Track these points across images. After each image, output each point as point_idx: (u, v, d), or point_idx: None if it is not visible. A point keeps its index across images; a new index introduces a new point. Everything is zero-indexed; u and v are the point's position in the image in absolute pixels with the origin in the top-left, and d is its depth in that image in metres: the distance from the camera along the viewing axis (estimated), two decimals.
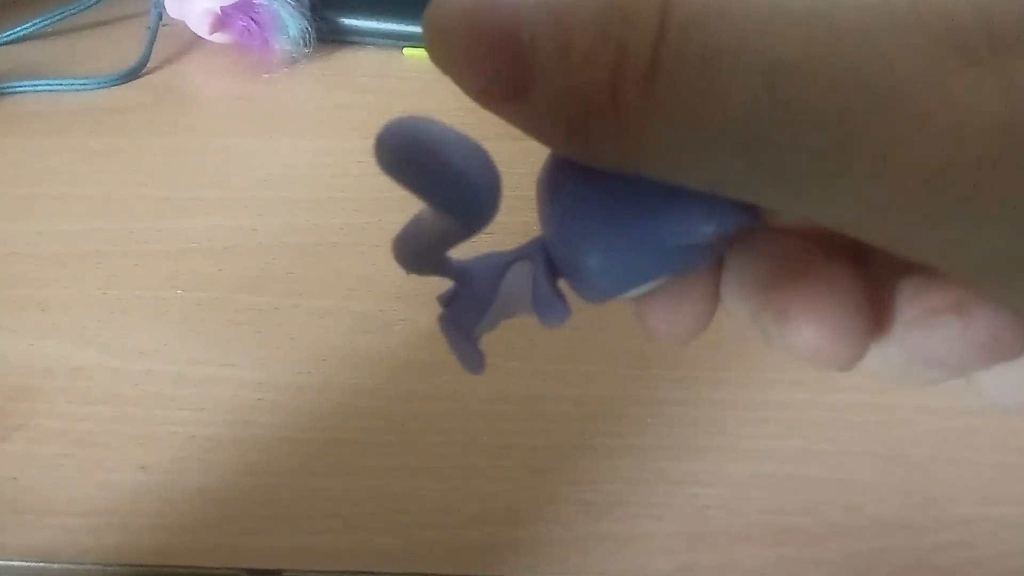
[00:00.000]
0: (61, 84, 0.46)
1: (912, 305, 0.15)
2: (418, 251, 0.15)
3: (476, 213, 0.13)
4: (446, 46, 0.12)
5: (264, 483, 0.27)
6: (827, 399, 0.30)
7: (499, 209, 0.13)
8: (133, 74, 0.48)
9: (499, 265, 0.16)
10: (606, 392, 0.30)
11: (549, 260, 0.15)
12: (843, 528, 0.26)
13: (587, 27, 0.11)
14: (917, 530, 0.26)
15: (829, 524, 0.26)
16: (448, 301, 0.16)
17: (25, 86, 0.46)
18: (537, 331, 0.32)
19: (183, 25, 0.49)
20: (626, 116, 0.11)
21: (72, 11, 0.51)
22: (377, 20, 0.51)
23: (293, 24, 0.48)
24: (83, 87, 0.46)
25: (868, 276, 0.15)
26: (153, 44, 0.49)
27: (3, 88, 0.46)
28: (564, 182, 0.14)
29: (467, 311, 0.16)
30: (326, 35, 0.50)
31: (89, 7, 0.52)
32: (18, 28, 0.50)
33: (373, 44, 0.51)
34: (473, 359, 0.17)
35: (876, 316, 0.15)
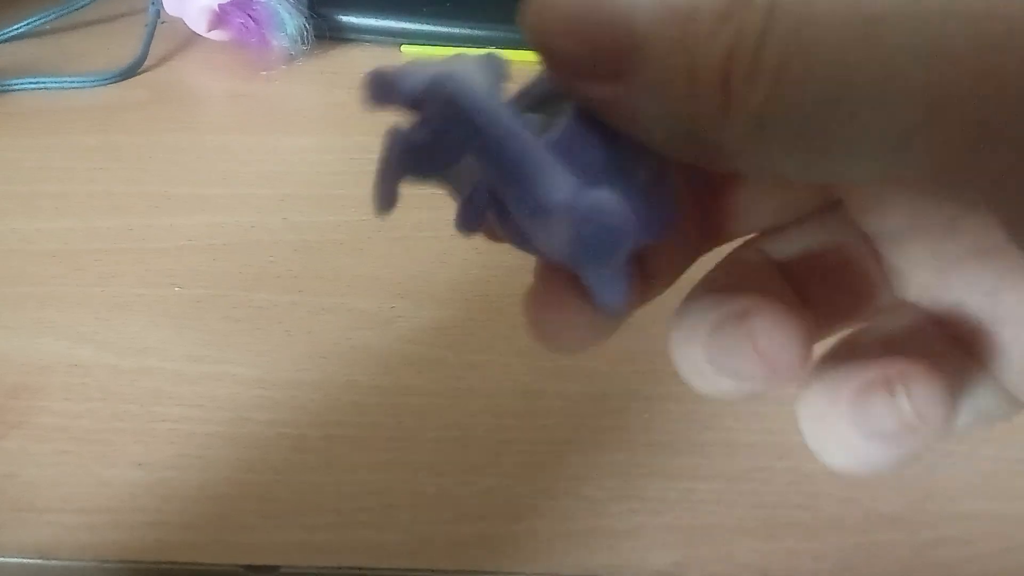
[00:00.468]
0: (59, 82, 0.46)
1: (707, 314, 0.15)
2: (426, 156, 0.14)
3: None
4: (550, 19, 0.12)
5: (262, 479, 0.27)
6: None
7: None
8: (131, 71, 0.48)
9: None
10: (603, 388, 0.30)
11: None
12: (840, 523, 0.26)
13: (709, 10, 0.11)
14: (914, 525, 0.26)
15: (826, 519, 0.26)
16: (414, 128, 0.14)
17: (23, 84, 0.46)
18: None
19: (181, 22, 0.49)
20: (735, 95, 0.11)
21: (70, 8, 0.51)
22: (375, 17, 0.51)
23: (291, 21, 0.48)
24: (81, 85, 0.46)
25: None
26: (151, 41, 0.49)
27: (1, 86, 0.46)
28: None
29: (406, 153, 0.14)
30: (324, 32, 0.50)
31: (87, 5, 0.52)
32: (16, 26, 0.50)
33: (371, 41, 0.51)
34: (382, 201, 0.15)
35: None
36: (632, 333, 0.31)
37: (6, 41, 0.50)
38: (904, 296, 0.17)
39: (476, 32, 0.50)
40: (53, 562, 0.25)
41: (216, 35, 0.49)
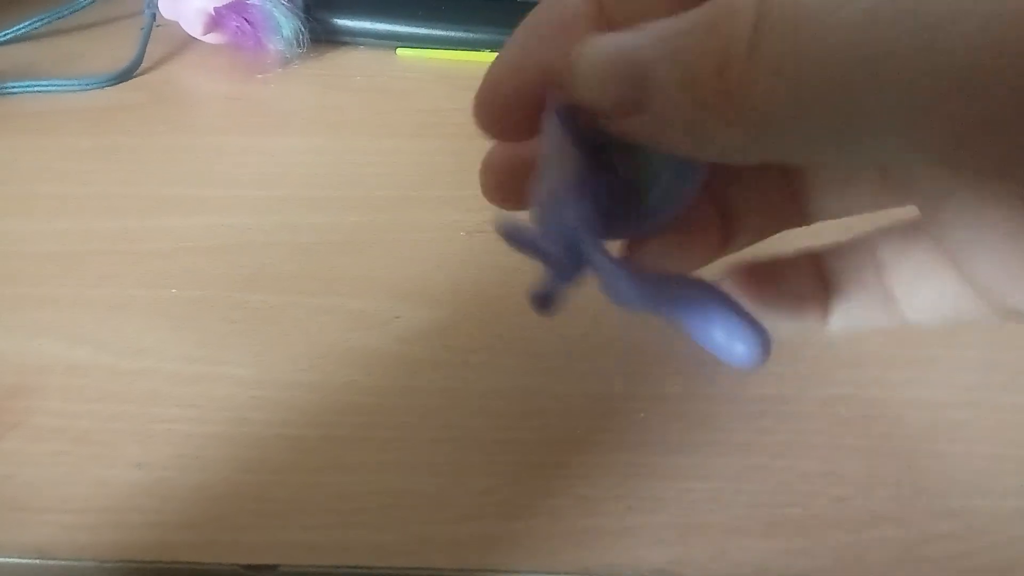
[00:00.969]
0: (55, 85, 0.46)
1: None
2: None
3: None
4: (587, 82, 0.16)
5: (260, 479, 0.27)
6: (817, 393, 0.30)
7: None
8: (127, 74, 0.48)
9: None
10: (599, 388, 0.30)
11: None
12: (833, 520, 0.26)
13: (690, 42, 0.14)
14: (907, 522, 0.27)
15: (819, 516, 0.27)
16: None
17: (19, 87, 0.46)
18: (532, 328, 0.32)
19: (177, 26, 0.50)
20: (736, 94, 0.13)
21: (66, 12, 0.51)
22: (370, 20, 0.51)
23: (287, 24, 0.48)
24: (77, 87, 0.47)
25: None
26: (147, 45, 0.49)
27: None
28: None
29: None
30: (320, 35, 0.50)
31: (83, 8, 0.52)
32: (12, 29, 0.50)
33: (366, 44, 0.51)
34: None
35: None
36: (628, 332, 0.32)
37: (2, 44, 0.50)
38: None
39: (471, 35, 0.50)
40: (52, 562, 0.25)
41: (212, 38, 0.49)
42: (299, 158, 0.42)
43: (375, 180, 0.40)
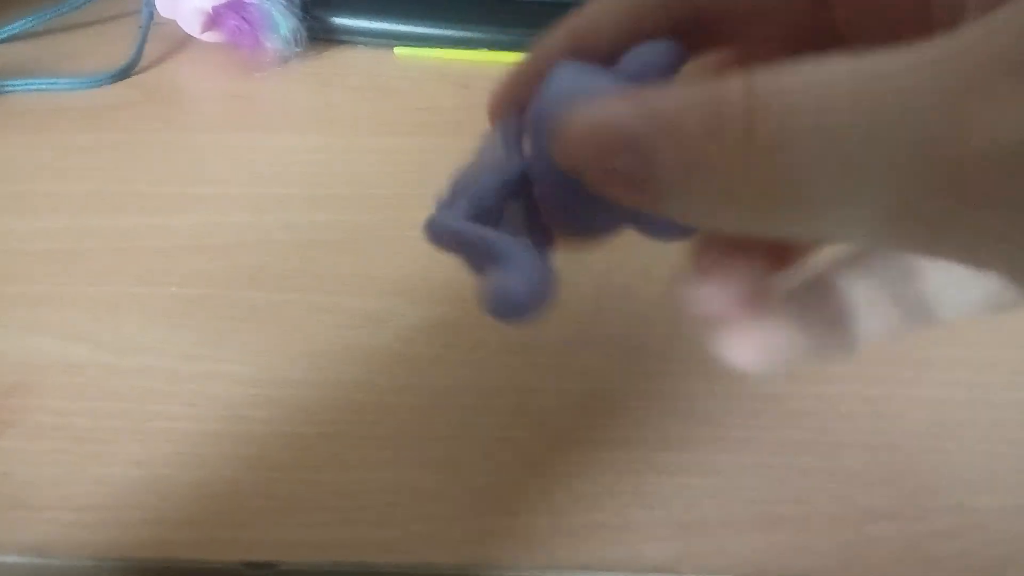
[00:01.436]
0: (53, 83, 0.46)
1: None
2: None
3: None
4: (579, 159, 0.16)
5: (259, 477, 0.27)
6: (817, 390, 0.30)
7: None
8: (125, 73, 0.48)
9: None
10: (598, 385, 0.30)
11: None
12: (833, 517, 0.27)
13: (693, 131, 0.14)
14: (906, 519, 0.27)
15: (819, 513, 0.27)
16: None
17: (17, 85, 0.46)
18: (529, 325, 0.32)
19: (174, 24, 0.50)
20: (737, 188, 0.14)
21: (63, 10, 0.51)
22: (368, 19, 0.51)
23: (284, 23, 0.48)
24: (75, 86, 0.46)
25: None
26: (145, 43, 0.49)
27: None
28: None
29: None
30: (318, 34, 0.50)
31: (80, 6, 0.52)
32: (10, 27, 0.50)
33: (364, 43, 0.51)
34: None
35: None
36: (627, 329, 0.32)
37: (0, 43, 0.50)
38: None
39: (469, 34, 0.50)
40: (50, 561, 0.25)
41: (209, 37, 0.49)
42: (297, 156, 0.42)
43: (373, 178, 0.40)
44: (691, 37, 0.19)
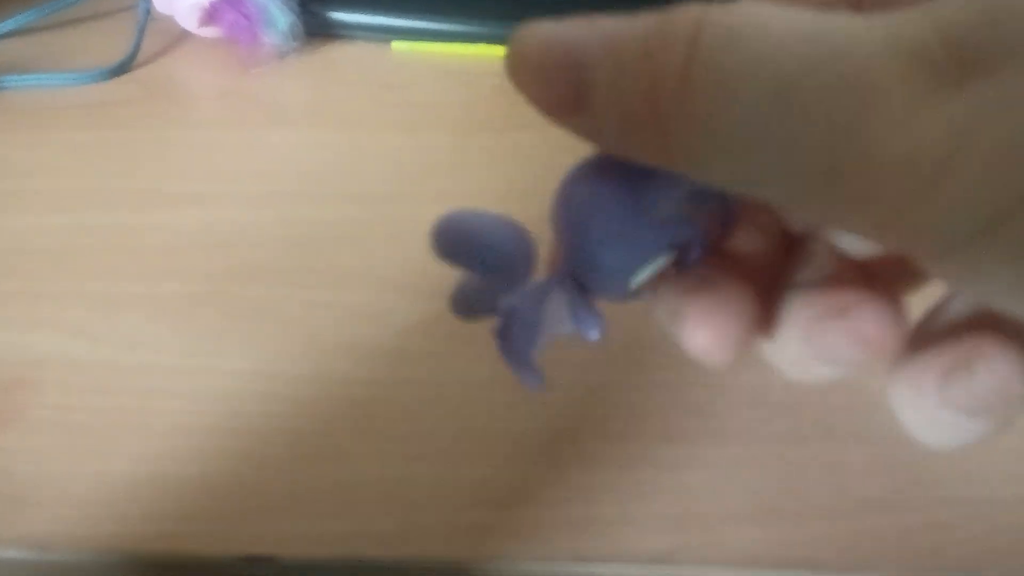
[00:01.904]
0: (50, 79, 0.46)
1: (805, 310, 0.18)
2: (471, 305, 0.19)
3: (515, 276, 0.18)
4: (524, 71, 0.15)
5: (258, 471, 0.27)
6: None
7: (535, 267, 0.17)
8: (122, 69, 0.48)
9: (539, 294, 0.18)
10: (595, 378, 0.30)
11: (576, 281, 0.18)
12: (828, 509, 0.27)
13: (633, 50, 0.14)
14: (902, 511, 0.27)
15: (815, 505, 0.27)
16: (501, 332, 0.18)
17: (14, 81, 0.46)
18: None
19: (171, 20, 0.49)
20: (663, 123, 0.14)
21: (60, 6, 0.51)
22: (365, 14, 0.51)
23: (282, 18, 0.48)
24: (72, 82, 0.46)
25: (763, 292, 0.18)
26: (142, 39, 0.49)
27: None
28: (575, 189, 0.18)
29: (519, 338, 0.18)
30: (315, 29, 0.50)
31: (77, 2, 0.52)
32: (6, 23, 0.50)
33: (362, 38, 0.51)
34: (532, 378, 0.18)
35: (761, 324, 0.18)
36: (624, 324, 0.32)
37: None
38: None
39: (466, 29, 0.50)
40: (51, 555, 0.26)
41: (207, 32, 0.49)
42: (295, 152, 0.42)
43: (371, 174, 0.40)
44: None
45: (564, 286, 0.18)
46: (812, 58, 0.12)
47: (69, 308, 0.33)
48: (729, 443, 0.28)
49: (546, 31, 0.15)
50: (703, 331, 0.18)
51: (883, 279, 0.18)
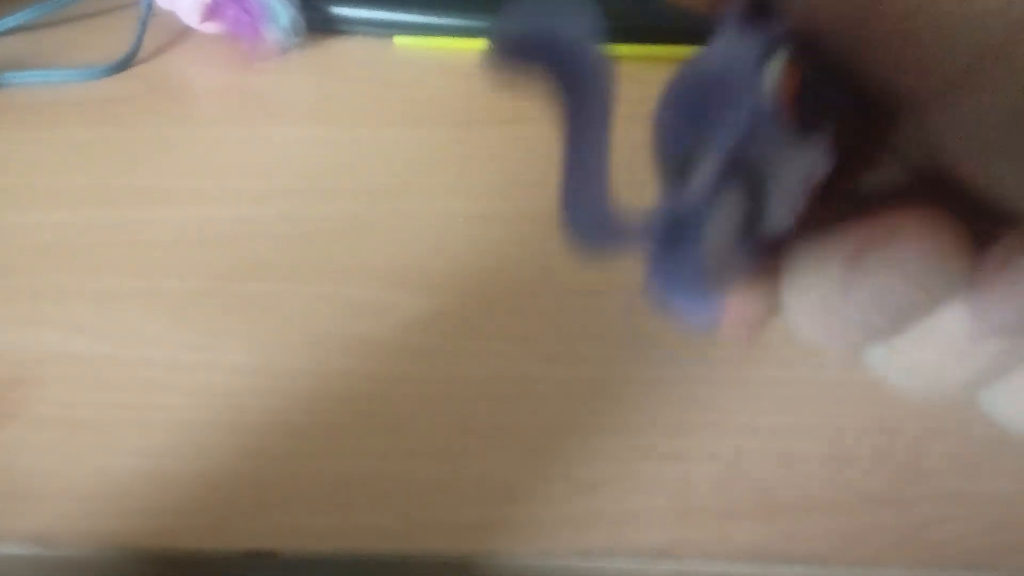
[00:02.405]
0: (51, 75, 0.46)
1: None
2: (522, 51, 0.13)
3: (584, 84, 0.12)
4: None
5: (259, 466, 0.27)
6: (816, 375, 0.30)
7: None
8: (124, 65, 0.48)
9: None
10: (597, 372, 0.30)
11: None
12: (832, 503, 0.27)
13: None
14: (906, 505, 0.27)
15: (818, 499, 0.27)
16: (665, 244, 0.13)
17: (15, 78, 0.46)
18: (530, 314, 0.32)
19: (173, 15, 0.49)
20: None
21: (61, 2, 0.51)
22: (367, 9, 0.51)
23: (284, 14, 0.48)
24: (74, 78, 0.46)
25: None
26: (144, 35, 0.49)
27: None
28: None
29: (690, 252, 0.13)
30: (317, 24, 0.50)
31: None
32: (8, 19, 0.50)
33: (364, 33, 0.51)
34: (706, 308, 0.14)
35: None
36: (627, 317, 0.32)
37: None
38: None
39: (469, 24, 0.50)
40: (52, 550, 0.26)
41: (209, 28, 0.49)
42: (297, 148, 0.42)
43: (373, 169, 0.40)
44: None
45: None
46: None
47: (70, 304, 0.33)
48: (733, 437, 0.28)
49: None
50: None
51: None
